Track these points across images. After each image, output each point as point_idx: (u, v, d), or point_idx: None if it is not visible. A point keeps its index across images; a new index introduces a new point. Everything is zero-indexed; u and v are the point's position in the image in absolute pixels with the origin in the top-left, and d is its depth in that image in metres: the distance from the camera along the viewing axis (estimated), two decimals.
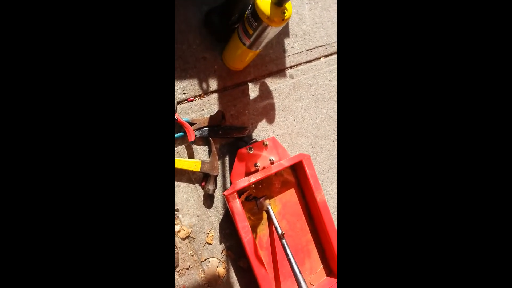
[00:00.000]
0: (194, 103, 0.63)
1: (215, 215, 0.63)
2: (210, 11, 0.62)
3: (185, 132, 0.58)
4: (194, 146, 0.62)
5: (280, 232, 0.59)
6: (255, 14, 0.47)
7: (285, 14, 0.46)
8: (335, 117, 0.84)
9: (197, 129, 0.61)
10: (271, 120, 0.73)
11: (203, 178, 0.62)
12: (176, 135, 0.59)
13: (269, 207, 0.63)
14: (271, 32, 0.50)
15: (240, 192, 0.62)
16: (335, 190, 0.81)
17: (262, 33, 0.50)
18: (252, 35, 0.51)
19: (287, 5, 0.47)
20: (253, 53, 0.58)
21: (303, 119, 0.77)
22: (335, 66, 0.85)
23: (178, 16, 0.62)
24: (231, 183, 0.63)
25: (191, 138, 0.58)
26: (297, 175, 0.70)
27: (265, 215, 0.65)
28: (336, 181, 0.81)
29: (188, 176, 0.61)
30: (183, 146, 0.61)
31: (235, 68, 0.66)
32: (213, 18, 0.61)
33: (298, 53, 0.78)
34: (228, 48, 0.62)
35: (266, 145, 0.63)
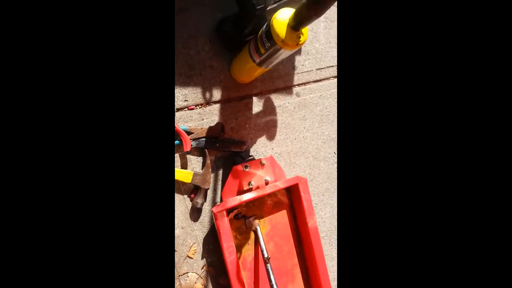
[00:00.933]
0: (195, 112, 0.61)
1: (200, 229, 0.61)
2: (224, 19, 0.60)
3: (181, 141, 0.56)
4: (188, 156, 0.60)
5: (266, 256, 0.56)
6: (269, 34, 0.45)
7: (301, 39, 0.44)
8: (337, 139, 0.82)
9: (194, 139, 0.59)
10: (271, 137, 0.71)
11: (193, 190, 0.60)
12: None
13: (258, 228, 0.61)
14: (284, 54, 0.48)
15: (229, 210, 0.60)
16: (328, 214, 0.79)
17: (274, 54, 0.48)
18: (263, 54, 0.49)
19: (304, 29, 0.45)
20: (261, 70, 0.56)
21: (304, 138, 0.75)
22: None
23: (190, 21, 0.60)
24: (221, 199, 0.61)
25: (187, 148, 0.56)
26: (291, 197, 0.68)
27: (252, 234, 0.63)
28: (330, 205, 0.79)
29: (178, 186, 0.59)
30: (177, 154, 0.59)
31: (241, 80, 0.64)
32: (226, 26, 0.59)
33: (307, 71, 0.76)
34: (237, 60, 0.60)
35: (263, 164, 0.61)
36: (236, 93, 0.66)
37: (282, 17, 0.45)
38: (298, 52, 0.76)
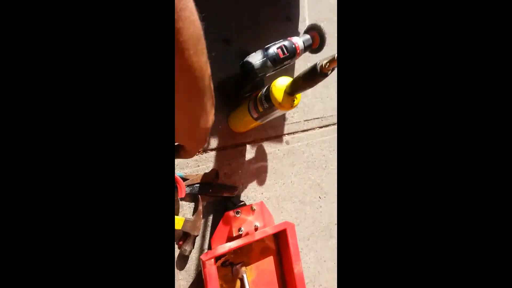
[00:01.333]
0: (191, 159, 0.65)
1: (185, 278, 0.61)
2: (226, 79, 0.67)
3: (176, 187, 0.59)
4: (180, 202, 0.62)
5: None
6: (268, 97, 0.52)
7: (295, 102, 0.52)
8: (322, 184, 0.87)
9: (189, 185, 0.62)
10: (261, 182, 0.75)
11: (182, 236, 0.61)
12: None
13: (244, 275, 0.62)
14: (278, 113, 0.55)
15: (217, 257, 0.61)
16: (312, 259, 0.81)
17: (270, 112, 0.55)
18: (261, 112, 0.56)
19: (297, 95, 0.52)
20: (257, 123, 0.62)
21: (292, 183, 0.80)
22: (328, 137, 0.91)
23: None
24: (210, 246, 0.62)
25: (182, 194, 0.58)
26: (278, 242, 0.70)
27: (238, 282, 0.63)
28: (315, 250, 0.82)
29: None
30: None
31: (237, 130, 0.70)
32: (226, 85, 0.66)
33: (296, 122, 0.84)
34: (235, 114, 0.66)
35: (253, 210, 0.64)
36: (232, 141, 0.71)
37: (280, 84, 0.53)
38: None
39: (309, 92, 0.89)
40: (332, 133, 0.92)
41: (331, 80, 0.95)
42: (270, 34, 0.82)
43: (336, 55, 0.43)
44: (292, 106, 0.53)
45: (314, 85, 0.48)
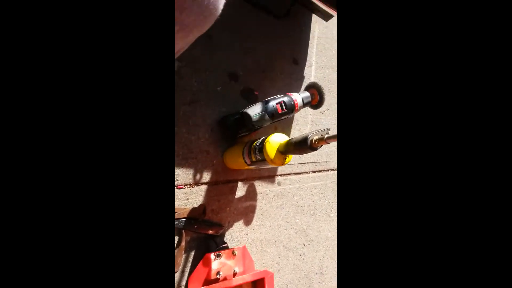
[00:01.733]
0: (182, 191, 0.65)
1: None
2: (227, 115, 0.70)
3: None
4: None
5: None
6: (261, 151, 0.54)
7: (286, 160, 0.54)
8: (308, 231, 0.87)
9: (175, 219, 0.61)
10: (248, 222, 0.75)
11: None
12: None
13: None
14: (271, 166, 0.57)
15: None
16: None
17: (262, 164, 0.56)
18: (254, 161, 0.57)
19: (289, 155, 0.54)
20: (249, 167, 0.63)
21: (278, 227, 0.80)
22: (319, 183, 0.92)
23: (198, 111, 0.69)
24: (186, 285, 0.60)
25: None
26: None
27: None
28: None
29: None
30: None
31: (231, 167, 0.71)
32: (228, 121, 0.68)
33: (291, 164, 0.86)
34: (231, 152, 0.68)
35: (234, 254, 0.63)
36: (224, 177, 0.72)
37: (274, 141, 0.55)
38: None
39: None
40: (324, 179, 0.94)
41: (328, 125, 0.98)
42: (276, 75, 0.86)
43: (325, 136, 0.45)
44: (283, 163, 0.55)
45: (303, 154, 0.51)
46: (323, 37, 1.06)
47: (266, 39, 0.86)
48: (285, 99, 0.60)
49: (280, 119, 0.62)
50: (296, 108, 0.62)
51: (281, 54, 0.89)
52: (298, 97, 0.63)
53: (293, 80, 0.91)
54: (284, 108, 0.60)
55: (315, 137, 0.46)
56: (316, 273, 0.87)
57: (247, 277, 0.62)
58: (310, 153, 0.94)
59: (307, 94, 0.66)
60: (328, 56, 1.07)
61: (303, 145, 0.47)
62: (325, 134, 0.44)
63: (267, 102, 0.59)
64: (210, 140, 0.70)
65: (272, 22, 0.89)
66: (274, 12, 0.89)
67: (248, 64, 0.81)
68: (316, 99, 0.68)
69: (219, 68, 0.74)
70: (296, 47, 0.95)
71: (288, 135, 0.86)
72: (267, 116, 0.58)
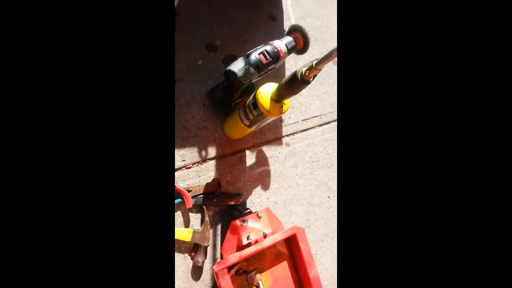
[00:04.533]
0: (192, 170, 0.68)
1: None
2: (215, 87, 0.71)
3: (182, 199, 0.62)
4: (188, 214, 0.65)
5: None
6: (256, 105, 0.55)
7: (283, 108, 0.55)
8: (330, 184, 0.89)
9: (193, 197, 0.65)
10: (266, 187, 0.77)
11: (193, 248, 0.63)
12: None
13: (260, 283, 0.64)
14: (270, 119, 0.58)
15: (230, 267, 0.63)
16: (329, 261, 0.82)
17: (261, 119, 0.58)
18: (252, 120, 0.59)
19: (285, 101, 0.56)
20: (252, 130, 0.65)
21: (297, 186, 0.82)
22: (329, 135, 0.93)
23: (185, 89, 0.71)
24: (221, 255, 0.64)
25: (189, 205, 0.61)
26: (290, 247, 0.71)
27: None
28: (330, 251, 0.83)
29: (178, 245, 0.63)
30: (179, 213, 0.64)
31: (234, 137, 0.73)
32: (217, 93, 0.70)
33: (294, 122, 0.87)
34: (228, 122, 0.70)
35: (260, 217, 0.66)
36: (230, 148, 0.74)
37: (265, 91, 0.56)
38: None
39: (304, 91, 0.92)
40: (333, 130, 0.95)
41: (326, 76, 0.98)
42: (255, 36, 0.86)
43: (314, 63, 0.45)
44: (281, 112, 0.56)
45: (298, 92, 0.51)
46: None
47: (236, 3, 0.86)
48: (267, 47, 0.61)
49: (267, 70, 0.63)
50: (281, 55, 0.63)
51: (256, 14, 0.89)
52: (280, 43, 0.64)
53: (275, 37, 0.91)
54: (268, 57, 0.60)
55: (304, 69, 0.46)
56: None
57: (278, 236, 0.65)
58: (313, 107, 0.94)
59: (290, 39, 0.66)
60: (305, 4, 1.04)
61: (294, 82, 0.48)
62: (314, 62, 0.45)
63: (249, 55, 0.60)
64: (205, 116, 0.72)
65: None
66: None
67: (224, 32, 0.81)
68: (300, 43, 0.68)
69: (194, 43, 0.75)
70: (270, 4, 0.94)
71: None
72: (252, 69, 0.59)
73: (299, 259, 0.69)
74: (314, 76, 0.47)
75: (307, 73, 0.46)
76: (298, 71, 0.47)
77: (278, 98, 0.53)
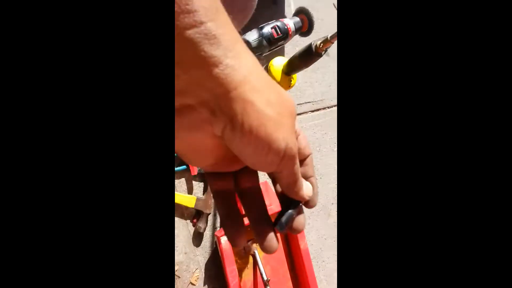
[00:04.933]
0: None
1: (202, 254, 0.64)
2: None
3: (187, 166, 0.62)
4: (192, 182, 0.65)
5: (265, 278, 0.62)
6: None
7: (292, 82, 0.59)
8: (317, 166, 0.96)
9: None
10: None
11: (195, 215, 0.64)
12: (178, 168, 0.62)
13: (256, 252, 0.67)
14: None
15: None
16: (314, 237, 0.88)
17: None
18: None
19: (294, 75, 0.60)
20: None
21: None
22: (320, 121, 1.00)
23: None
24: None
25: (194, 172, 0.62)
26: None
27: (251, 259, 0.68)
28: (316, 228, 0.89)
29: (181, 211, 0.63)
30: (182, 180, 0.64)
31: None
32: None
33: None
34: None
35: None
36: None
37: (277, 64, 0.59)
38: None
39: (299, 77, 0.98)
40: (323, 117, 1.02)
41: (319, 65, 1.04)
42: (256, 20, 0.89)
43: (329, 36, 0.50)
44: (289, 86, 0.60)
45: (310, 64, 0.56)
46: None
47: None
48: (278, 23, 0.64)
49: (277, 45, 0.66)
50: (290, 33, 0.66)
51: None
52: (289, 21, 0.67)
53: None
54: (279, 32, 0.63)
55: (319, 42, 0.51)
56: (332, 203, 0.97)
57: (275, 208, 0.69)
58: (306, 93, 1.00)
59: (297, 19, 0.70)
60: None
61: (308, 54, 0.52)
62: (328, 35, 0.49)
63: (262, 28, 0.63)
64: None
65: None
66: None
67: None
68: (305, 26, 0.72)
69: None
70: None
71: None
72: (264, 42, 0.62)
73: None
74: (326, 49, 0.52)
75: (321, 46, 0.50)
76: (313, 43, 0.51)
77: (290, 70, 0.57)
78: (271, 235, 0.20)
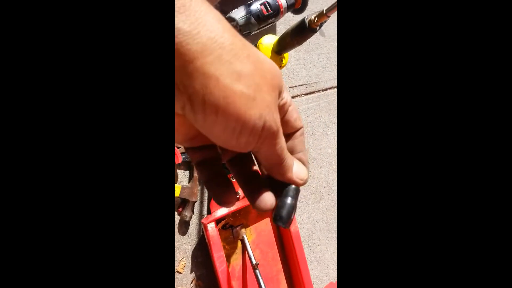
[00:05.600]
0: None
1: (188, 242, 0.66)
2: None
3: None
4: (177, 170, 0.65)
5: (254, 262, 0.63)
6: None
7: (283, 62, 0.56)
8: (310, 150, 0.95)
9: (182, 153, 0.64)
10: None
11: (180, 203, 0.64)
12: None
13: (245, 236, 0.68)
14: None
15: (217, 221, 0.66)
16: (305, 220, 0.90)
17: None
18: None
19: (285, 54, 0.56)
20: None
21: None
22: (313, 104, 0.97)
23: None
24: (209, 210, 0.67)
25: (178, 160, 0.61)
26: None
27: (239, 244, 0.70)
28: (307, 211, 0.90)
29: None
30: None
31: None
32: None
33: None
34: None
35: None
36: None
37: (267, 43, 0.56)
38: None
39: (292, 58, 0.94)
40: (316, 100, 0.99)
41: (313, 46, 1.00)
42: None
43: (324, 9, 0.46)
44: (280, 66, 0.57)
45: (303, 41, 0.52)
46: None
47: None
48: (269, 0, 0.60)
49: (267, 23, 0.62)
50: (281, 9, 0.62)
51: None
52: None
53: None
54: (269, 9, 0.59)
55: (313, 16, 0.47)
56: (324, 187, 0.97)
57: None
58: (300, 75, 0.96)
59: None
60: None
61: (301, 30, 0.48)
62: (324, 9, 0.45)
63: (250, 4, 0.59)
64: None
65: None
66: None
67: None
68: (299, 2, 0.67)
69: None
70: None
71: None
72: (252, 19, 0.58)
73: None
74: (321, 25, 0.48)
75: (315, 20, 0.47)
76: (306, 18, 0.48)
77: (281, 49, 0.54)
78: (266, 193, 0.17)
